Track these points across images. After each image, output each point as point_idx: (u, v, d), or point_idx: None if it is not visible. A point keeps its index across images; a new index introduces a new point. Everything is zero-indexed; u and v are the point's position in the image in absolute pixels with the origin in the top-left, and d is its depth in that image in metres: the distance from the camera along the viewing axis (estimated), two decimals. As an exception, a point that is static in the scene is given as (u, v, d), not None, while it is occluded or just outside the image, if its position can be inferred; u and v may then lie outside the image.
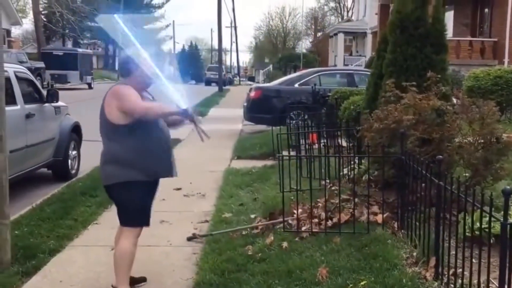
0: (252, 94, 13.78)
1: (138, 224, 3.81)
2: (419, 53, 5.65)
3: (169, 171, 3.86)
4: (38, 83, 8.02)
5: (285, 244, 4.55)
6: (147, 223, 3.85)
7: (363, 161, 6.13)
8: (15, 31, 47.94)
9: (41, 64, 31.12)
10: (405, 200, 4.64)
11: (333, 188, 5.74)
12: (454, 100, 5.55)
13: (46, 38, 44.36)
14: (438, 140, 4.89)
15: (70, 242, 5.08)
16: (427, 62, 5.61)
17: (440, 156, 3.94)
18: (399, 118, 4.90)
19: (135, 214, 3.76)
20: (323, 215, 4.98)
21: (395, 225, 4.79)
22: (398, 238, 4.51)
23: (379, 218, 4.85)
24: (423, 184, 4.10)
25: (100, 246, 4.89)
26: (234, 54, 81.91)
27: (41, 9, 44.84)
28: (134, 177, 3.67)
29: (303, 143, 7.57)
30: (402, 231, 4.63)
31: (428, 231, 3.94)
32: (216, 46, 52.44)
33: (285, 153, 7.11)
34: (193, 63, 62.71)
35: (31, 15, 44.44)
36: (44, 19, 46.87)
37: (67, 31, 49.64)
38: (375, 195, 5.35)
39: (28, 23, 51.24)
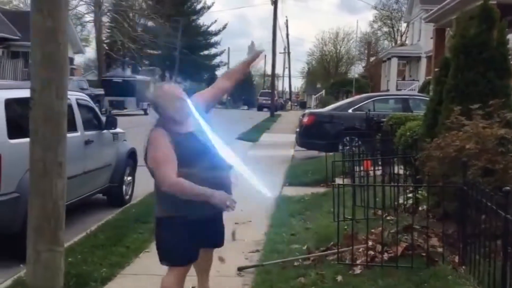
0: (305, 119, 13.70)
1: (170, 263, 3.63)
2: (482, 79, 5.44)
3: (208, 209, 3.48)
4: (97, 110, 8.19)
5: (339, 277, 4.39)
6: (184, 262, 3.63)
7: (420, 191, 5.91)
8: (78, 59, 49.86)
9: (100, 91, 32.12)
10: (466, 233, 4.41)
11: (388, 218, 5.54)
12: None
13: (106, 66, 45.92)
14: (502, 170, 4.65)
15: (122, 271, 5.07)
16: (490, 88, 5.39)
17: (507, 188, 3.72)
18: (460, 147, 4.70)
19: (169, 252, 3.60)
20: (379, 247, 4.79)
21: (456, 260, 4.55)
22: (459, 274, 4.27)
23: (439, 251, 4.62)
24: (487, 216, 3.89)
25: (150, 275, 4.86)
26: (286, 80, 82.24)
27: (104, 38, 46.60)
28: (173, 213, 3.51)
29: (358, 170, 7.40)
30: (464, 266, 4.39)
31: (493, 267, 3.71)
32: (269, 71, 52.83)
33: (338, 180, 6.96)
34: (246, 89, 63.27)
35: (93, 44, 46.32)
36: (106, 48, 48.66)
37: (126, 58, 51.30)
38: (433, 226, 5.12)
39: (90, 51, 53.34)
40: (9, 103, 5.63)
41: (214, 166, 3.52)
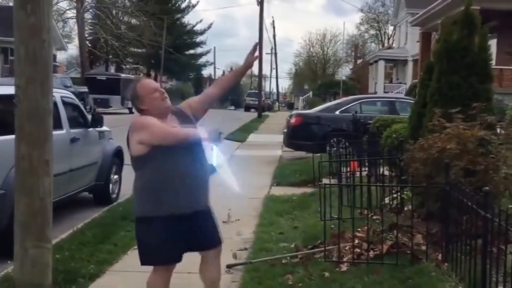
0: (293, 120, 13.78)
1: (148, 263, 3.60)
2: (464, 83, 5.56)
3: (182, 207, 3.48)
4: (83, 108, 8.19)
5: (326, 274, 4.47)
6: (162, 262, 3.57)
7: (405, 191, 6.01)
8: (60, 56, 49.36)
9: (84, 89, 31.73)
10: (449, 232, 4.51)
11: (374, 217, 5.63)
12: (498, 130, 5.42)
13: (89, 63, 45.54)
14: (483, 171, 4.76)
15: (110, 267, 5.11)
16: (472, 92, 5.52)
17: (487, 188, 3.82)
18: (442, 148, 4.80)
19: (150, 251, 3.54)
20: (364, 245, 4.88)
21: (439, 257, 4.66)
22: (442, 271, 4.38)
23: (423, 249, 4.72)
24: (468, 216, 3.99)
25: (139, 272, 4.86)
26: (273, 80, 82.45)
27: (86, 35, 46.21)
28: (147, 213, 3.50)
29: (344, 171, 7.48)
30: (446, 263, 4.50)
31: (474, 264, 3.81)
32: (256, 72, 52.89)
33: (325, 180, 7.04)
34: (232, 89, 63.21)
35: (76, 41, 45.85)
36: (89, 45, 48.25)
37: (110, 56, 50.94)
38: (418, 225, 5.22)
39: (73, 48, 52.78)
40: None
41: (194, 162, 3.52)
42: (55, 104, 6.65)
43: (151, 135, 3.41)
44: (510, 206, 4.72)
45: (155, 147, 3.42)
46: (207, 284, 3.80)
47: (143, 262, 3.59)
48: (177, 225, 3.48)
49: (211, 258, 3.71)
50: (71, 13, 42.57)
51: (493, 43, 22.16)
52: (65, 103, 7.24)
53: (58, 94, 7.12)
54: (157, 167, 3.45)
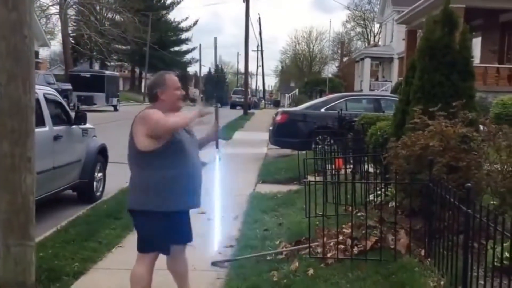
0: (278, 118, 13.80)
1: (150, 250, 3.79)
2: (446, 80, 5.61)
3: (186, 204, 3.79)
4: (66, 105, 8.14)
5: (310, 270, 4.50)
6: (162, 251, 3.82)
7: (389, 188, 6.05)
8: (43, 53, 48.90)
9: (68, 86, 31.48)
10: (432, 228, 4.55)
11: (359, 214, 5.66)
12: (481, 127, 5.47)
13: (73, 60, 45.18)
14: (465, 168, 4.81)
15: (94, 265, 5.09)
16: (454, 90, 5.57)
17: (469, 184, 3.86)
18: (425, 144, 4.84)
19: (148, 241, 3.75)
20: (349, 241, 4.91)
21: (422, 253, 4.70)
22: (425, 266, 4.43)
23: (406, 245, 4.76)
24: (451, 212, 4.03)
25: (124, 269, 4.87)
26: (260, 78, 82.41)
27: (70, 32, 45.80)
28: (152, 208, 3.65)
29: (329, 168, 7.52)
30: (429, 259, 4.54)
31: (456, 259, 3.85)
32: (242, 69, 52.92)
33: (310, 178, 7.07)
34: (218, 86, 63.22)
35: (59, 37, 45.34)
36: (72, 41, 47.83)
37: (94, 53, 50.57)
38: (402, 222, 5.26)
39: (56, 45, 52.29)
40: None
41: (197, 161, 3.81)
42: (38, 101, 6.61)
43: (156, 123, 3.56)
44: (491, 202, 4.78)
45: (163, 144, 3.60)
46: (178, 276, 4.07)
47: (140, 249, 3.79)
48: (177, 219, 3.77)
49: (182, 252, 4.02)
50: (54, 9, 42.19)
51: (477, 41, 22.39)
52: (48, 100, 7.19)
53: (41, 91, 7.08)
54: (165, 165, 3.62)
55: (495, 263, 3.64)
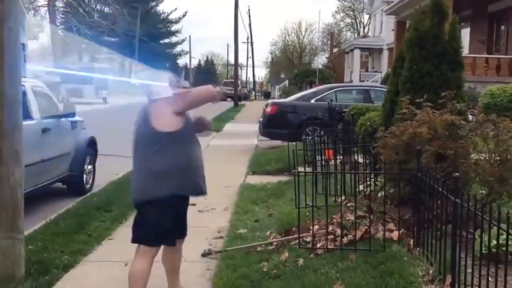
0: (268, 109, 13.80)
1: (159, 243, 3.82)
2: (435, 71, 5.62)
3: (196, 189, 3.93)
4: (54, 98, 8.09)
5: (300, 261, 4.51)
6: (170, 242, 3.88)
7: (379, 178, 6.08)
8: (31, 45, 48.37)
9: (57, 78, 31.30)
10: (421, 217, 4.58)
11: (348, 204, 5.68)
12: (470, 117, 5.50)
13: (62, 52, 44.81)
14: (453, 157, 4.83)
15: (84, 258, 5.08)
16: (443, 80, 5.58)
17: (457, 174, 3.89)
18: (413, 133, 4.87)
19: (158, 233, 3.75)
20: (338, 231, 4.93)
21: (411, 242, 4.73)
22: (414, 256, 4.45)
23: (395, 235, 4.79)
24: (439, 201, 4.05)
25: (114, 262, 4.88)
26: (250, 69, 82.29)
27: (58, 24, 45.43)
28: (172, 191, 3.70)
29: (319, 159, 7.53)
30: (418, 248, 4.57)
31: (444, 248, 3.88)
32: (232, 61, 52.76)
33: (300, 169, 7.08)
34: (208, 78, 63.08)
35: (47, 29, 44.91)
36: (61, 34, 47.44)
37: (83, 46, 50.19)
38: (391, 212, 5.29)
39: (44, 37, 51.74)
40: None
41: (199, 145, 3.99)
42: (26, 94, 6.57)
43: (195, 92, 3.83)
44: (480, 192, 4.82)
45: (181, 127, 3.72)
46: (172, 269, 4.09)
47: (150, 243, 3.77)
48: (182, 209, 3.93)
49: (180, 245, 4.07)
50: (43, 1, 41.80)
51: (466, 32, 22.45)
52: (36, 93, 7.15)
53: (29, 84, 7.03)
54: (183, 148, 3.75)
55: (483, 252, 3.67)
